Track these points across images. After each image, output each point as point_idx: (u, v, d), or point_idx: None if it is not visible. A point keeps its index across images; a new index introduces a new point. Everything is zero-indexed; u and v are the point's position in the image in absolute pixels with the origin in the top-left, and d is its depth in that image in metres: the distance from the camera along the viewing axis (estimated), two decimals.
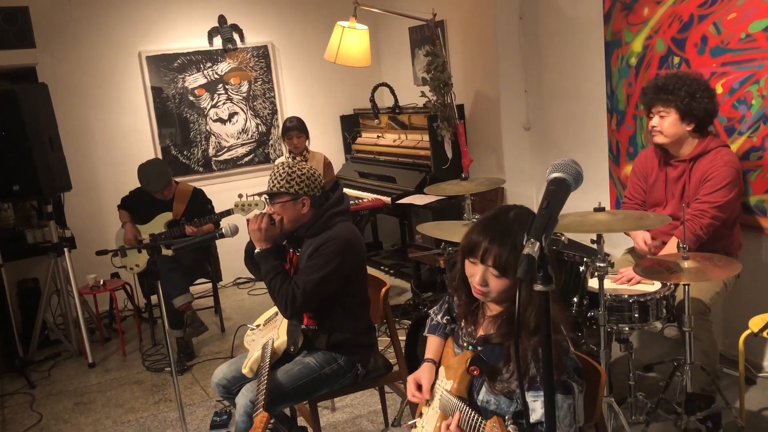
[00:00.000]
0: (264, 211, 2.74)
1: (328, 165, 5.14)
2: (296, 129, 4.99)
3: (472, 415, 1.72)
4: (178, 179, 5.10)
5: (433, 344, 2.11)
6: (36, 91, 4.53)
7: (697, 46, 3.51)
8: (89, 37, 5.51)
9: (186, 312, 4.39)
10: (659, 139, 3.11)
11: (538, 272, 1.15)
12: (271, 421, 2.35)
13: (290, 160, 5.06)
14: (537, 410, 1.66)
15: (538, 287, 1.16)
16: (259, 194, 2.84)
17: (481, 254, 1.75)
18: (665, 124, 3.06)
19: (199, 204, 4.75)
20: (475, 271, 1.79)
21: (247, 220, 2.70)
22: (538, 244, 1.14)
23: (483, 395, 1.80)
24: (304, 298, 2.60)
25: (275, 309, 3.01)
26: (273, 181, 2.69)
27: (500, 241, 1.72)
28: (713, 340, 2.93)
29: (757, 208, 3.36)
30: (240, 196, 4.08)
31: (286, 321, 2.77)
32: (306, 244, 2.72)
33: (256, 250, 2.71)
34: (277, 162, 5.76)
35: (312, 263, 2.63)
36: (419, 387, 2.05)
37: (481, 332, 1.89)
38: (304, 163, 2.66)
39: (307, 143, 5.07)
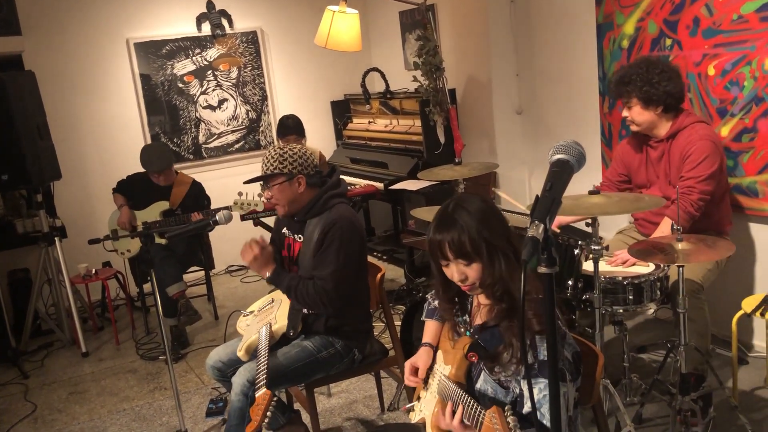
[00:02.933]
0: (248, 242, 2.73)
1: (323, 162, 5.11)
2: (295, 133, 4.76)
3: (472, 404, 1.72)
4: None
5: (430, 328, 2.11)
6: (23, 78, 4.47)
7: (689, 27, 3.51)
8: (76, 24, 5.43)
9: (180, 300, 4.37)
10: (634, 128, 3.20)
11: (543, 254, 1.14)
12: (274, 399, 2.35)
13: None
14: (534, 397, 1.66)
15: (542, 269, 1.16)
16: (254, 180, 2.81)
17: (441, 251, 1.78)
18: (633, 113, 3.13)
19: (197, 197, 4.72)
20: (451, 271, 1.82)
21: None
22: (542, 226, 1.14)
23: (481, 383, 1.81)
24: (336, 291, 2.62)
25: (270, 297, 3.01)
26: (266, 165, 2.69)
27: (447, 229, 1.76)
28: (706, 318, 2.96)
29: (750, 190, 3.37)
30: (240, 194, 4.06)
31: (285, 306, 2.77)
32: (308, 228, 2.72)
33: (267, 276, 2.69)
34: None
35: (326, 252, 2.63)
36: (416, 371, 2.05)
37: (478, 321, 1.90)
38: (294, 144, 2.66)
39: (303, 142, 5.01)
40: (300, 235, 2.77)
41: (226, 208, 4.22)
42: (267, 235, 4.65)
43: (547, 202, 1.19)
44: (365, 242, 2.80)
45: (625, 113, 3.18)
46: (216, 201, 4.83)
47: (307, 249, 2.70)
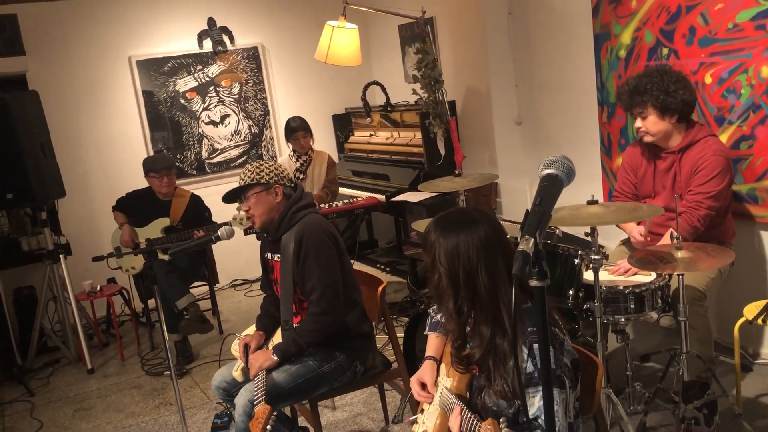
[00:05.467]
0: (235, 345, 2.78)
1: (331, 164, 5.13)
2: (302, 129, 4.91)
3: (470, 416, 1.74)
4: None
5: (433, 342, 2.13)
6: (27, 98, 4.51)
7: (686, 36, 3.53)
8: (79, 43, 5.49)
9: (190, 308, 4.37)
10: (648, 138, 3.16)
11: (533, 268, 1.16)
12: (274, 413, 2.37)
13: (292, 160, 5.03)
14: (535, 405, 1.68)
15: (534, 282, 1.18)
16: (231, 192, 2.83)
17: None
18: (648, 124, 3.09)
19: (198, 211, 4.75)
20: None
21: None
22: (532, 240, 1.15)
23: (483, 396, 1.82)
24: (329, 304, 2.65)
25: None
26: (243, 177, 2.76)
27: (425, 250, 1.80)
28: (708, 327, 2.96)
29: (749, 197, 3.38)
30: (239, 209, 4.08)
31: (279, 328, 2.79)
32: (283, 245, 2.75)
33: (277, 360, 2.65)
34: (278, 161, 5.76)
35: (306, 263, 2.66)
36: (423, 386, 2.06)
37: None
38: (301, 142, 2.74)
39: (312, 142, 5.05)
40: (278, 255, 2.80)
41: (227, 223, 4.24)
42: None
43: (537, 217, 1.21)
44: (339, 243, 2.80)
45: (638, 123, 3.12)
46: (219, 216, 4.85)
47: (285, 265, 2.73)
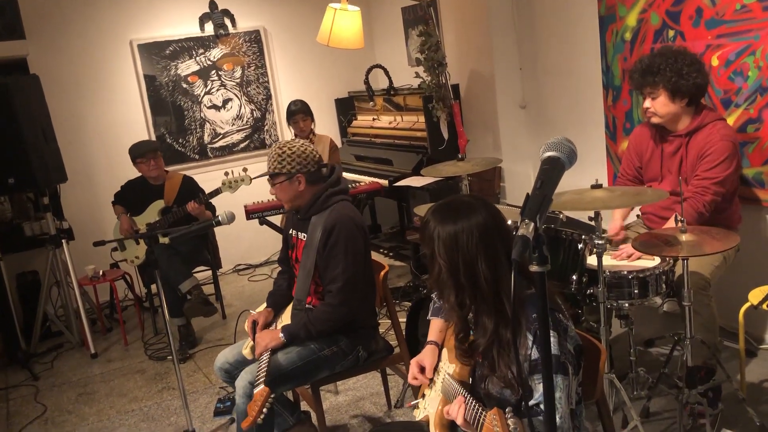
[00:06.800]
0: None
1: (334, 148, 5.12)
2: (302, 112, 4.93)
3: (474, 404, 1.72)
4: (173, 168, 5.07)
5: (436, 327, 2.11)
6: (27, 82, 4.49)
7: (692, 18, 3.48)
8: (79, 27, 5.46)
9: (193, 292, 4.37)
10: (655, 120, 3.10)
11: (533, 253, 1.13)
12: (272, 396, 2.38)
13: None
14: (539, 391, 1.66)
15: (534, 268, 1.15)
16: (261, 175, 2.86)
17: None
18: (657, 105, 3.03)
19: (192, 190, 4.73)
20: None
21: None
22: (532, 224, 1.13)
23: (486, 383, 1.80)
24: (347, 297, 2.64)
25: None
26: (269, 164, 2.74)
27: (424, 242, 1.79)
28: (713, 314, 2.93)
29: (756, 181, 3.35)
30: (226, 173, 4.09)
31: (290, 305, 2.78)
32: (311, 226, 2.73)
33: (284, 340, 2.65)
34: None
35: (332, 254, 2.65)
36: (422, 369, 2.05)
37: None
38: (296, 140, 2.68)
39: (312, 126, 5.04)
40: (304, 234, 2.78)
41: (217, 190, 4.24)
42: (270, 233, 4.68)
43: (538, 200, 1.18)
44: (368, 239, 2.81)
45: (647, 104, 3.07)
46: (221, 200, 4.83)
47: (309, 248, 2.71)
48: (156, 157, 4.58)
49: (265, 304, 2.98)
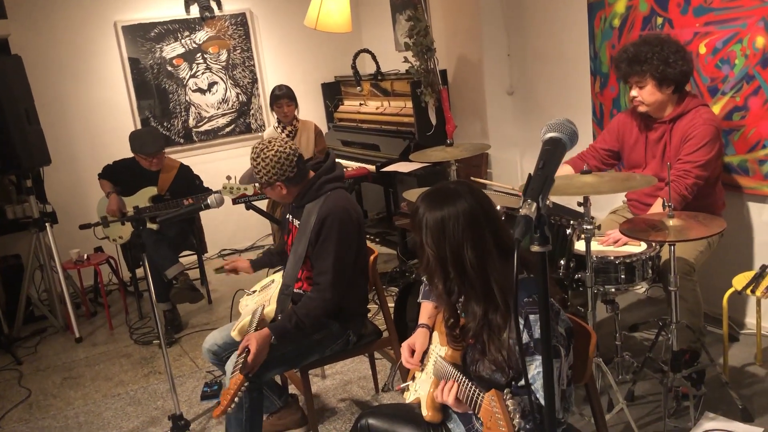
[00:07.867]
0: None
1: (319, 134, 5.09)
2: (286, 97, 4.87)
3: (470, 386, 1.73)
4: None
5: (426, 310, 2.12)
6: (9, 63, 4.42)
7: (680, 6, 3.49)
8: (63, 7, 5.37)
9: (180, 277, 4.35)
10: (642, 108, 3.11)
11: (535, 233, 1.14)
12: (245, 384, 2.40)
13: (278, 131, 4.97)
14: (530, 373, 1.67)
15: (535, 248, 1.16)
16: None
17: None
18: (645, 94, 3.05)
19: (187, 180, 4.69)
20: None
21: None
22: (535, 204, 1.14)
23: (477, 365, 1.81)
24: (336, 290, 2.64)
25: (271, 278, 3.02)
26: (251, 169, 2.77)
27: (414, 230, 1.80)
28: (698, 298, 2.97)
29: (740, 168, 3.38)
30: (228, 178, 4.04)
31: (278, 288, 2.78)
32: (305, 213, 2.73)
33: (273, 340, 2.59)
34: (264, 134, 5.69)
35: (324, 245, 2.64)
36: (413, 353, 2.06)
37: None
38: (272, 142, 2.62)
39: (296, 112, 5.00)
40: (298, 221, 2.78)
41: (217, 191, 4.20)
42: (256, 218, 4.66)
43: (540, 181, 1.19)
44: (362, 227, 2.80)
45: (633, 92, 3.07)
46: (210, 184, 4.81)
47: (302, 235, 2.70)
48: (160, 156, 4.53)
49: (261, 283, 3.03)
